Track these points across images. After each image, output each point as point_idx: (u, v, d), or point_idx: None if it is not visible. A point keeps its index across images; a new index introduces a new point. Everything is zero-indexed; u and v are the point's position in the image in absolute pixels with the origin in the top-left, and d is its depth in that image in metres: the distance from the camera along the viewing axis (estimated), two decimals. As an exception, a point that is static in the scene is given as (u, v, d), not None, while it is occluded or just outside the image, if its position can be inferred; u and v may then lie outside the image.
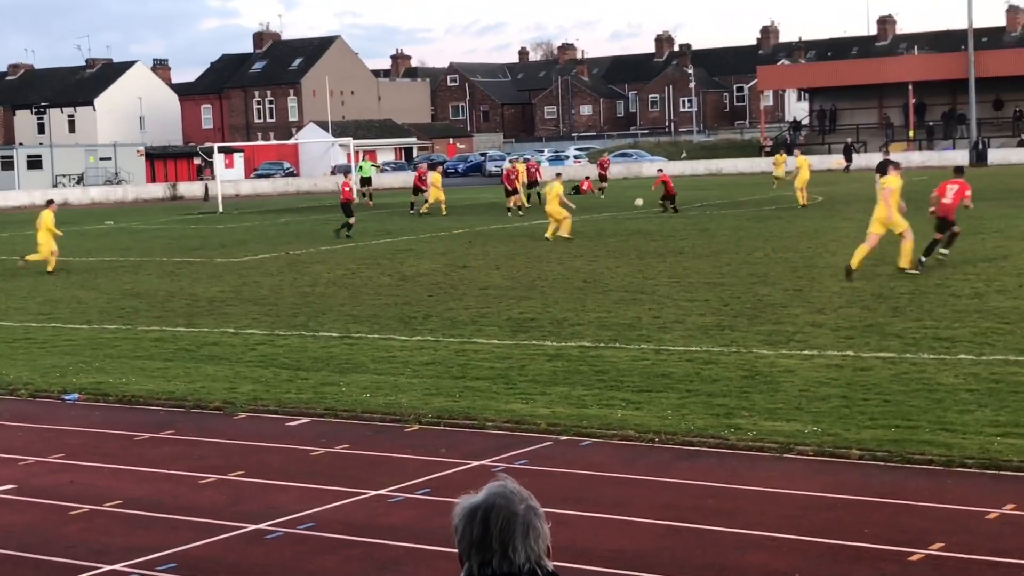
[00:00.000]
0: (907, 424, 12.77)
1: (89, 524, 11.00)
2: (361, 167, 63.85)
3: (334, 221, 49.91)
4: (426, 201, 51.95)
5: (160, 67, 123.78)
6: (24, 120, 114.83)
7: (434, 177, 52.96)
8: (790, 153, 66.52)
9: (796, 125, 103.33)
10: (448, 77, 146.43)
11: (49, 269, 32.43)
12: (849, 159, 76.91)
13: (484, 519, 3.62)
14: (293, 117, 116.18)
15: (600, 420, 13.57)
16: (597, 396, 14.72)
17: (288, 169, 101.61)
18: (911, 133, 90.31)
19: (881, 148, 62.33)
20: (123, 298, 26.26)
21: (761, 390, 14.61)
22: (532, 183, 53.58)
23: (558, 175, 41.10)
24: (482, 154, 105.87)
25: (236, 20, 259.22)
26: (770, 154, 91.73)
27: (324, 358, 18.05)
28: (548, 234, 35.59)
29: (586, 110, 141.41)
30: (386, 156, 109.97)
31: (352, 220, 40.87)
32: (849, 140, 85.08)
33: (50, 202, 35.21)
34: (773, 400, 14.09)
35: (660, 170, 54.50)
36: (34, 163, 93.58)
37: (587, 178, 65.97)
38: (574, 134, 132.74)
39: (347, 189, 42.41)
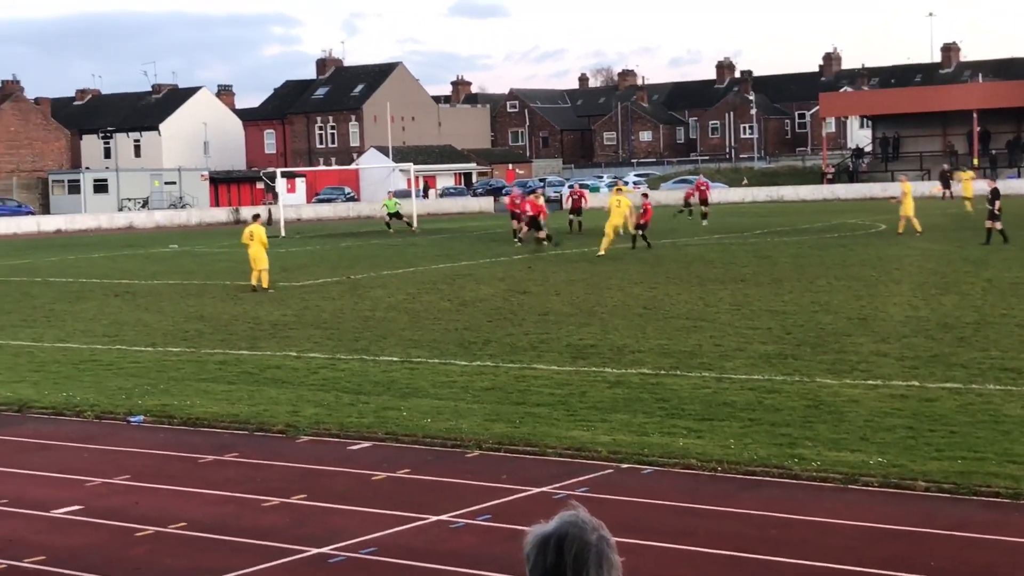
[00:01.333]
0: (973, 456, 12.62)
1: (154, 546, 11.10)
2: (386, 204, 63.69)
3: (395, 246, 50.16)
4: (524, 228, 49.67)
5: (224, 93, 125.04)
6: (91, 145, 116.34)
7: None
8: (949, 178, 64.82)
9: (859, 152, 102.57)
10: (508, 103, 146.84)
11: (265, 286, 32.14)
12: (947, 186, 74.86)
13: (557, 548, 3.59)
14: (354, 142, 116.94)
15: (662, 448, 13.52)
16: (658, 424, 14.66)
17: (349, 194, 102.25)
18: (975, 161, 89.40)
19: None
20: (187, 321, 26.50)
21: (825, 420, 14.50)
22: (576, 210, 53.20)
23: (645, 195, 41.04)
24: (541, 180, 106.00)
25: (299, 47, 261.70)
26: (833, 180, 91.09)
27: (385, 382, 18.11)
28: (601, 250, 35.90)
29: (646, 136, 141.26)
30: (446, 181, 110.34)
31: (543, 233, 43.16)
32: (945, 167, 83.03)
33: (256, 216, 34.81)
34: (837, 430, 13.97)
35: (644, 195, 51.80)
36: (100, 187, 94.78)
37: (699, 186, 60.88)
38: (633, 160, 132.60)
39: (530, 204, 45.05)
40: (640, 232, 41.86)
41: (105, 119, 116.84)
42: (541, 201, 46.21)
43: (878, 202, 57.90)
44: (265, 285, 32.20)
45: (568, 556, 3.58)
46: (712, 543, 10.45)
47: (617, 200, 42.31)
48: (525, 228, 46.51)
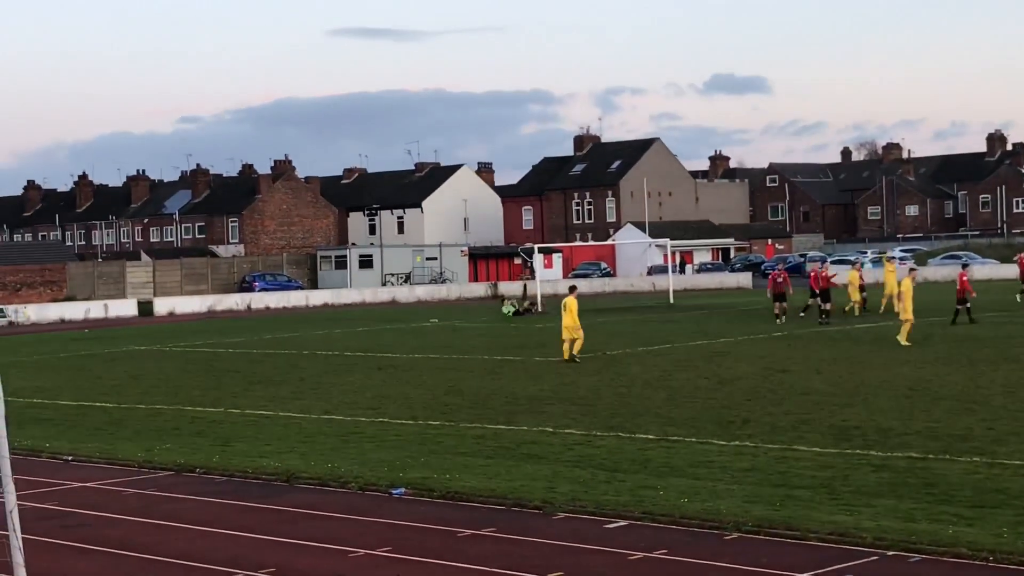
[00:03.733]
0: None
1: (413, 619, 11.21)
2: (504, 311, 61.55)
3: (651, 322, 50.02)
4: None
5: (484, 170, 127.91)
6: (357, 222, 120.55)
7: (852, 276, 49.00)
8: None
9: None
10: (767, 178, 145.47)
11: (576, 352, 33.25)
12: None
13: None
14: (611, 218, 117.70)
15: (930, 536, 12.97)
16: (926, 510, 14.09)
17: (605, 270, 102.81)
18: None
19: None
20: (446, 395, 26.99)
21: (1108, 511, 13.66)
22: (820, 292, 46.12)
23: (912, 270, 39.08)
24: (801, 255, 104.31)
25: (556, 124, 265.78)
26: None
27: (641, 460, 17.99)
28: (902, 339, 34.16)
29: (912, 210, 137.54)
30: (703, 257, 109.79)
31: (828, 305, 44.03)
32: None
33: (573, 288, 35.72)
34: (1122, 522, 13.14)
35: (964, 267, 49.15)
36: (365, 262, 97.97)
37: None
38: (899, 235, 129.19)
39: (816, 275, 45.56)
40: (965, 306, 41.28)
41: (371, 197, 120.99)
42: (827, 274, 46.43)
43: None
44: (576, 352, 33.21)
45: None
46: (986, 640, 9.91)
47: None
48: (784, 308, 45.90)
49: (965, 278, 42.46)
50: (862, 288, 48.71)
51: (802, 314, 46.78)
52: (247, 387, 30.20)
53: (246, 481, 18.13)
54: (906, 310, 34.46)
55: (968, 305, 41.68)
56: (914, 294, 34.84)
